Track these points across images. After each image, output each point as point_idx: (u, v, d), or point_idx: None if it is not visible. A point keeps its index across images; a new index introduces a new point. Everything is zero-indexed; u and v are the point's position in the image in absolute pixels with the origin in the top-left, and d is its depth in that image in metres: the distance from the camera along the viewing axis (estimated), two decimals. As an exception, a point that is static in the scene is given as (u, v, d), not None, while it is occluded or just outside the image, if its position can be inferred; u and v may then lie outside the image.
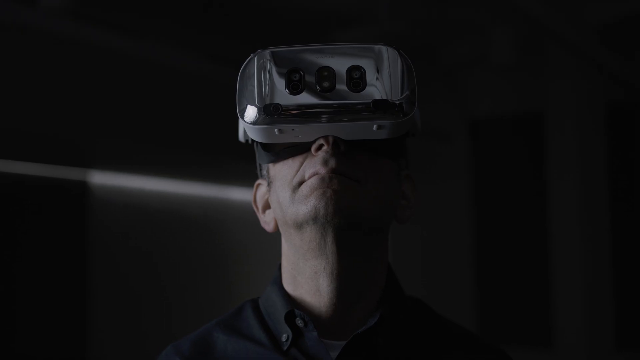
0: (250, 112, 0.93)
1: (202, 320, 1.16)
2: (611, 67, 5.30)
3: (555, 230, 5.85)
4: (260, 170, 1.09)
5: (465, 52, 6.07)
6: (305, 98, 0.91)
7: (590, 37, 5.24)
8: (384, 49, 0.93)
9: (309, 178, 0.96)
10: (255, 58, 0.95)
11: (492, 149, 6.68)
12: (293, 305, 1.02)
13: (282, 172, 1.00)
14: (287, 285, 1.05)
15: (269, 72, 0.93)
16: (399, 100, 0.92)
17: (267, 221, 1.09)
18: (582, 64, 5.47)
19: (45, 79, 4.30)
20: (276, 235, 1.11)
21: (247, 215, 6.34)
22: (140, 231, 5.66)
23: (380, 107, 0.91)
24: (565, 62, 5.62)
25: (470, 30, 5.73)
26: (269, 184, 1.04)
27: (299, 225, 0.98)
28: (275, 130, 0.93)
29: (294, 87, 0.92)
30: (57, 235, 5.08)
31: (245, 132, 1.06)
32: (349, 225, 0.96)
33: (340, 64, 0.92)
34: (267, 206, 1.08)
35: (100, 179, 5.52)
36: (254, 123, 0.93)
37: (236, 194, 6.65)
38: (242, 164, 3.70)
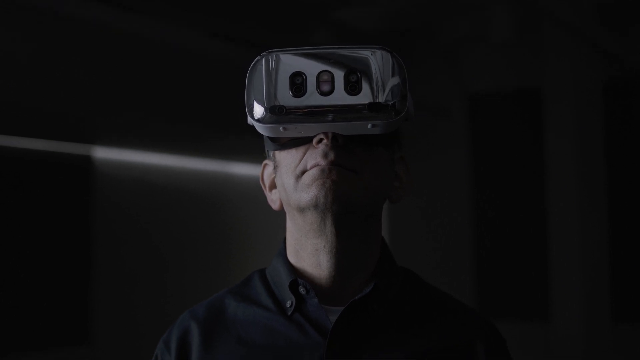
0: (257, 110, 1.04)
1: (202, 292, 1.26)
2: (608, 44, 5.33)
3: (553, 205, 5.89)
4: (267, 152, 1.19)
5: (464, 29, 6.10)
6: (307, 100, 1.02)
7: (587, 15, 5.28)
8: (378, 52, 1.04)
9: (311, 169, 1.08)
10: (263, 60, 1.04)
11: (491, 124, 6.72)
12: (296, 275, 1.14)
13: (286, 159, 1.11)
14: (291, 258, 1.17)
15: (274, 74, 1.03)
16: (391, 101, 1.03)
17: (273, 200, 1.20)
18: (579, 41, 5.50)
19: (48, 56, 4.34)
20: (276, 211, 1.21)
21: (249, 190, 6.41)
22: (143, 205, 5.72)
23: (374, 109, 1.02)
24: (563, 39, 5.65)
25: (469, 8, 5.75)
26: (275, 168, 1.16)
27: (302, 210, 1.10)
28: (280, 128, 1.05)
29: (297, 90, 1.02)
30: (61, 209, 5.13)
31: None
32: (346, 211, 1.08)
33: (338, 68, 1.03)
34: (273, 185, 1.19)
35: (104, 154, 5.57)
36: (260, 121, 1.04)
37: (238, 168, 6.70)
38: (245, 139, 3.77)
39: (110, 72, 4.65)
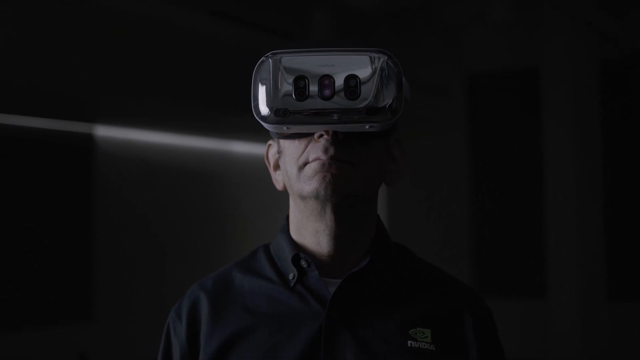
0: (263, 110, 1.11)
1: (202, 268, 1.33)
2: (605, 24, 5.36)
3: (550, 184, 5.94)
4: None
5: (463, 9, 6.12)
6: (309, 104, 1.10)
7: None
8: (375, 56, 1.11)
9: (312, 161, 1.16)
10: (269, 61, 1.11)
11: (489, 104, 6.76)
12: (298, 250, 1.23)
13: (290, 148, 1.20)
14: (294, 234, 1.26)
15: (279, 77, 1.11)
16: (388, 103, 1.10)
17: (278, 180, 1.28)
18: (577, 22, 5.53)
19: (49, 34, 4.35)
20: (275, 190, 1.30)
21: (247, 169, 6.46)
22: (144, 182, 5.76)
23: (372, 113, 1.10)
24: (561, 20, 5.68)
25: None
26: (279, 152, 1.24)
27: (303, 198, 1.19)
28: (284, 127, 1.13)
29: (300, 94, 1.10)
30: (63, 187, 5.18)
31: None
32: (345, 202, 1.17)
33: (339, 73, 1.10)
34: (277, 165, 1.28)
35: (105, 132, 5.61)
36: (265, 120, 1.12)
37: (237, 147, 6.74)
38: (245, 118, 3.81)
39: (111, 50, 4.67)
